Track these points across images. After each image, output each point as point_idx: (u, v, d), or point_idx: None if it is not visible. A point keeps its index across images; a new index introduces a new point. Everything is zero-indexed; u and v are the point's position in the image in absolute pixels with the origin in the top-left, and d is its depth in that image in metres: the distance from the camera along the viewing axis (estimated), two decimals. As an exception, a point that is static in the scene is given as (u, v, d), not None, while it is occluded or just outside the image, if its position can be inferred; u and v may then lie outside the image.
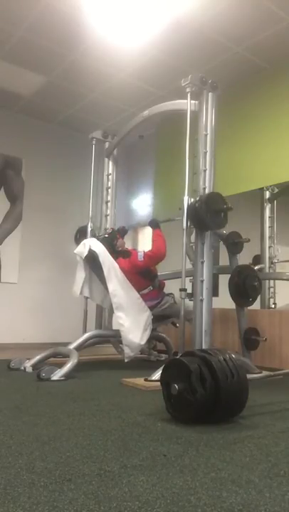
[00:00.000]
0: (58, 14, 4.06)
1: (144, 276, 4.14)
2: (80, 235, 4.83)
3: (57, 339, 5.22)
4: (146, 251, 4.17)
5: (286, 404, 2.70)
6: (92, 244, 4.17)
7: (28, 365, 3.66)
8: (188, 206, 3.50)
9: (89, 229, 4.75)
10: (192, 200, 3.53)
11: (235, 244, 3.98)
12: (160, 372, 2.39)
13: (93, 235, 4.67)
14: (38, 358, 3.75)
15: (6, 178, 6.07)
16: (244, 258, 4.38)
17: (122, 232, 4.60)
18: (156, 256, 4.09)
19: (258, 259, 5.60)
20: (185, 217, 3.49)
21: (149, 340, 4.22)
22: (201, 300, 3.47)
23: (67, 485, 1.33)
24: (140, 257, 4.10)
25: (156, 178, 6.36)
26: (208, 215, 3.41)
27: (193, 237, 3.70)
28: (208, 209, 3.41)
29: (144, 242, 6.41)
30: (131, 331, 3.88)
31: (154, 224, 4.30)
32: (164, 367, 2.34)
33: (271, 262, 5.54)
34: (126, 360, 3.89)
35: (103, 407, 2.44)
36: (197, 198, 3.52)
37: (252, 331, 3.94)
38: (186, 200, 3.52)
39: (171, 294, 4.27)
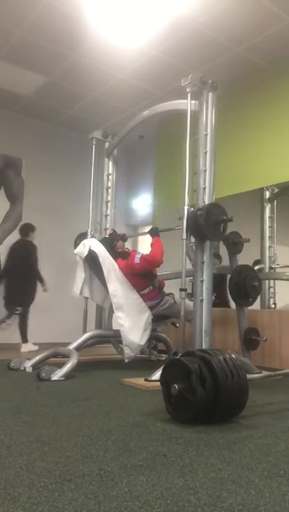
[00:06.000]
0: (58, 14, 4.06)
1: (142, 277, 4.13)
2: (80, 240, 4.82)
3: (57, 339, 5.22)
4: (144, 254, 4.15)
5: (286, 404, 2.70)
6: (92, 244, 4.17)
7: (28, 365, 3.66)
8: (188, 216, 3.49)
9: (89, 235, 4.71)
10: (192, 209, 3.51)
11: (235, 244, 3.98)
12: (160, 372, 2.39)
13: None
14: (38, 358, 3.75)
15: (6, 178, 6.06)
16: (244, 259, 4.38)
17: (121, 239, 4.59)
18: (152, 261, 4.04)
19: (257, 263, 5.59)
20: (185, 227, 3.49)
21: (149, 340, 4.22)
22: (201, 300, 3.47)
23: (67, 485, 1.33)
24: (137, 259, 4.08)
25: (156, 178, 6.36)
26: (208, 226, 3.41)
27: (193, 238, 3.70)
28: (208, 220, 3.40)
29: (144, 243, 6.40)
30: (131, 331, 3.88)
31: (153, 232, 4.25)
32: (164, 367, 2.34)
33: (271, 261, 5.53)
34: (126, 361, 3.89)
35: (103, 407, 2.44)
36: (198, 208, 3.51)
37: (252, 331, 3.94)
38: (186, 210, 3.51)
39: (171, 294, 4.27)
